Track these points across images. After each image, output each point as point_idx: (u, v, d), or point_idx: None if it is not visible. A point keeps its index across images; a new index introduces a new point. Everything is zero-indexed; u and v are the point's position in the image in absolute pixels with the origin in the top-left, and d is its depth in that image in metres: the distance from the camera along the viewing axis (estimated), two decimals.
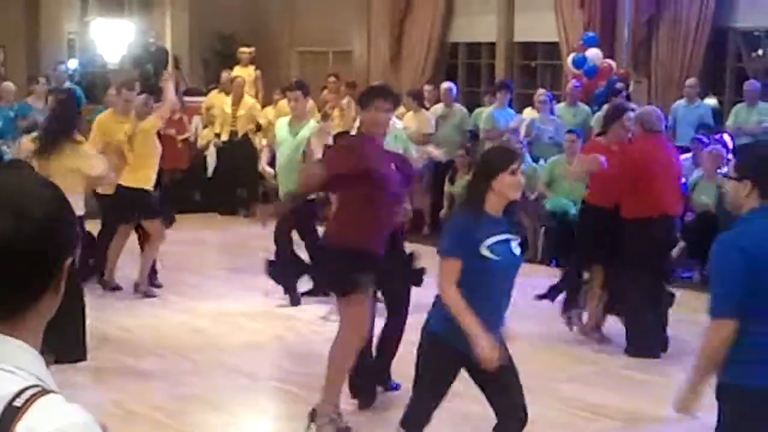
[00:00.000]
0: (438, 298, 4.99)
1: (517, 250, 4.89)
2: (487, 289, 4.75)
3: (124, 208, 9.65)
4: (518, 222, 5.01)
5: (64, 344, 6.23)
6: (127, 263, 10.10)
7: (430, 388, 5.08)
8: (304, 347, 8.15)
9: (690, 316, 8.37)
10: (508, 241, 4.81)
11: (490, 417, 5.11)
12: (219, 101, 15.35)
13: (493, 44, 16.22)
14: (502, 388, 5.01)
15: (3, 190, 1.76)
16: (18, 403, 1.68)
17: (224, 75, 15.91)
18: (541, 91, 13.68)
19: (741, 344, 4.06)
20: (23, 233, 1.73)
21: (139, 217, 9.73)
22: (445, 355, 4.94)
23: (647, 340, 8.23)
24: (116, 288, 9.94)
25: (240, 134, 14.93)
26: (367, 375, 6.80)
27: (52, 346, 5.80)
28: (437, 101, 14.54)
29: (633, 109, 8.79)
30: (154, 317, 9.21)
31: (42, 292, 1.80)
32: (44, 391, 1.71)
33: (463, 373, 5.06)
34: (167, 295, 9.84)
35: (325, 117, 12.64)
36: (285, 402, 7.20)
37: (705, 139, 11.90)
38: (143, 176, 9.52)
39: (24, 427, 1.66)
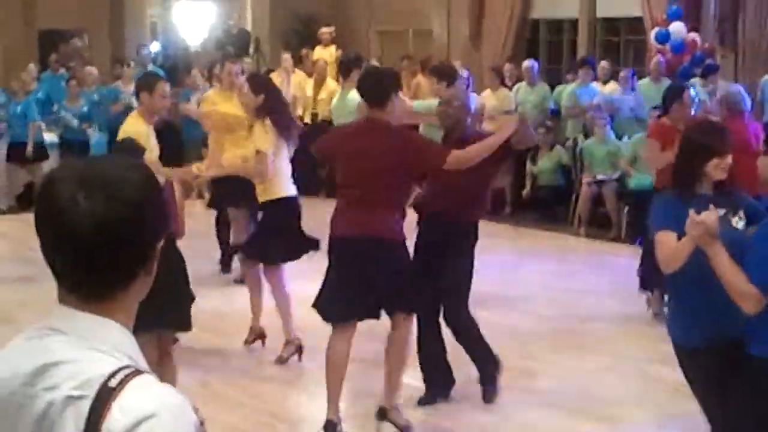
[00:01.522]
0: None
1: (740, 223, 4.56)
2: (708, 272, 4.22)
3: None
4: (733, 195, 4.64)
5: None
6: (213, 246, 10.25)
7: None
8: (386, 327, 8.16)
9: None
10: (726, 215, 4.48)
11: None
12: (299, 83, 15.24)
13: (575, 20, 16.01)
14: None
15: (94, 175, 1.79)
16: (113, 383, 1.70)
17: (304, 52, 15.79)
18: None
19: None
20: (115, 216, 1.75)
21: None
22: None
23: None
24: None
25: (320, 117, 14.75)
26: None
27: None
28: (518, 80, 14.42)
29: (692, 87, 8.74)
30: (241, 298, 9.28)
31: (135, 273, 1.83)
32: (138, 372, 1.73)
33: None
34: None
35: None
36: (368, 380, 7.21)
37: None
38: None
39: (119, 407, 1.68)
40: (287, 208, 7.66)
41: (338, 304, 6.00)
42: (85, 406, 1.70)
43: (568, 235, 12.45)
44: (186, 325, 6.22)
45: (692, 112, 8.37)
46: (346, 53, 10.96)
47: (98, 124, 14.53)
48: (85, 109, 14.17)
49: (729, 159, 4.59)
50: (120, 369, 1.72)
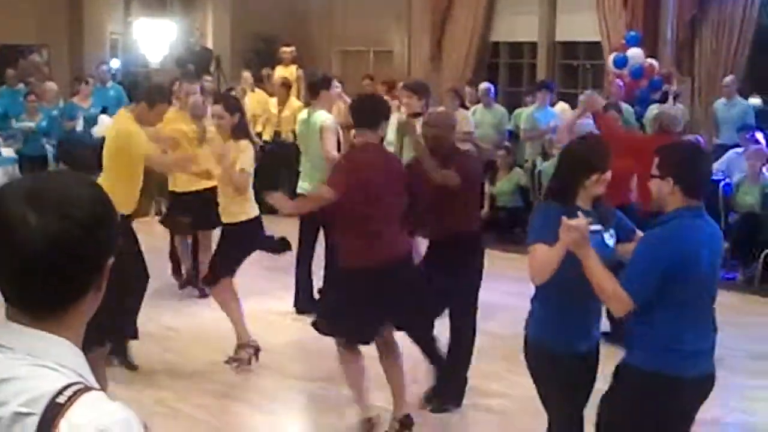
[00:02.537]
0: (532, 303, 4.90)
1: (611, 241, 4.71)
2: (581, 286, 4.40)
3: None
4: (607, 212, 4.78)
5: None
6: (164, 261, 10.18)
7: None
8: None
9: (733, 317, 8.28)
10: (599, 232, 4.62)
11: None
12: (260, 101, 15.23)
13: (534, 44, 16.15)
14: None
15: (45, 192, 1.78)
16: (61, 399, 1.69)
17: (264, 72, 15.81)
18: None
19: None
20: (68, 234, 1.75)
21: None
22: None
23: None
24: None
25: (283, 135, 14.76)
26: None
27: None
28: (478, 102, 14.52)
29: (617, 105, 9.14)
30: (197, 315, 9.25)
31: (85, 290, 1.82)
32: (86, 388, 1.73)
33: None
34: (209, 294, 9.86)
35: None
36: (328, 402, 7.20)
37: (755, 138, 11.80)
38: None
39: (67, 423, 1.68)
40: (250, 231, 7.71)
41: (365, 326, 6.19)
42: (33, 422, 1.69)
43: (526, 256, 12.48)
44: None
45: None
46: (314, 74, 10.94)
47: (56, 139, 14.45)
48: (44, 123, 14.08)
49: (608, 175, 4.69)
50: (69, 385, 1.71)
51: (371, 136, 6.21)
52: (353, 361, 6.32)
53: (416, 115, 8.37)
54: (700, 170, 4.44)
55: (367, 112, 6.29)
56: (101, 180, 6.94)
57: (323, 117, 8.90)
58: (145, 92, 7.51)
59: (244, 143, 7.61)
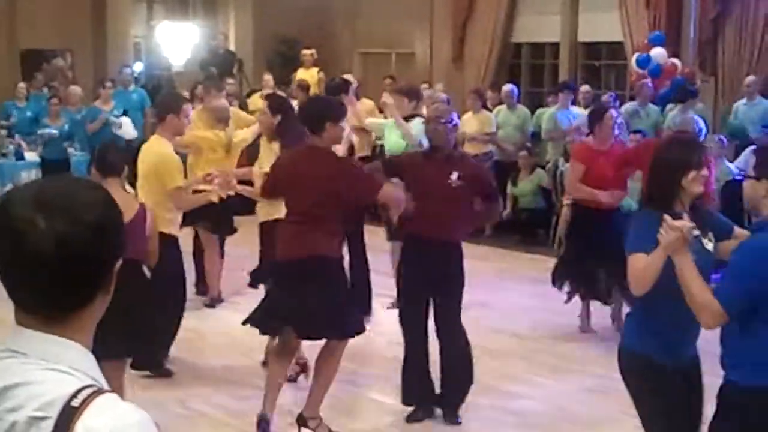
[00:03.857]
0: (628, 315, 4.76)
1: (710, 245, 4.52)
2: (679, 292, 4.18)
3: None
4: (704, 214, 4.60)
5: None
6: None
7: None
8: (368, 347, 8.15)
9: None
10: (698, 237, 4.42)
11: None
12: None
13: (556, 44, 16.11)
14: None
15: (53, 196, 1.79)
16: (75, 403, 1.71)
17: (292, 76, 15.76)
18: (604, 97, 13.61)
19: None
20: (76, 237, 1.76)
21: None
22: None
23: None
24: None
25: None
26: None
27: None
28: (500, 103, 14.51)
29: (613, 108, 9.43)
30: (221, 319, 9.29)
31: (93, 294, 1.84)
32: (100, 391, 1.74)
33: None
34: (232, 297, 9.90)
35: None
36: (350, 402, 7.21)
37: None
38: None
39: (82, 426, 1.69)
40: None
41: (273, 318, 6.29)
42: (48, 427, 1.70)
43: (548, 257, 12.46)
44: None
45: (614, 133, 8.76)
46: (332, 79, 10.97)
47: (80, 143, 14.54)
48: (67, 127, 14.16)
49: (705, 171, 4.53)
50: (82, 388, 1.73)
51: (315, 140, 6.24)
52: (279, 362, 6.41)
53: (409, 117, 8.80)
54: None
55: (309, 116, 6.38)
56: (142, 197, 7.05)
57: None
58: (163, 106, 7.58)
59: (269, 146, 7.65)
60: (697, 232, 4.32)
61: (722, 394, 4.20)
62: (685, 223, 4.15)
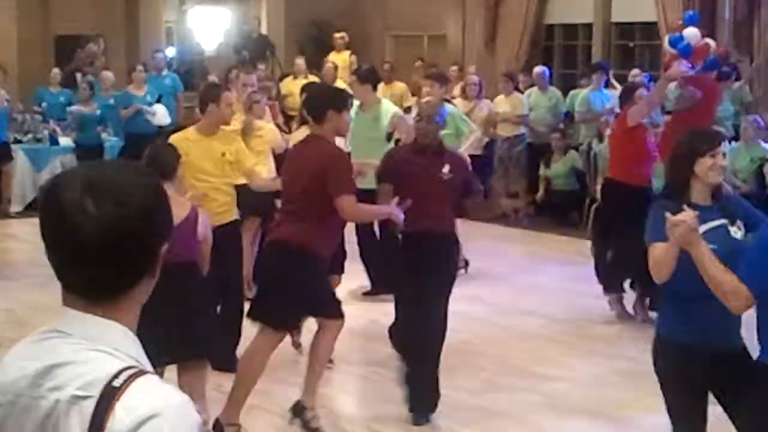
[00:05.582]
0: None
1: (739, 233, 4.42)
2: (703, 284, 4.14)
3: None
4: (730, 204, 4.54)
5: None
6: None
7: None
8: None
9: None
10: (723, 226, 4.40)
11: None
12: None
13: (590, 25, 16.01)
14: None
15: (101, 180, 1.82)
16: (116, 383, 1.73)
17: (325, 59, 15.72)
18: (635, 71, 13.48)
19: None
20: (123, 221, 1.79)
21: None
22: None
23: None
24: None
25: None
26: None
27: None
28: (532, 85, 14.46)
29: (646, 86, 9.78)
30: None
31: (139, 277, 1.86)
32: (141, 372, 1.76)
33: None
34: None
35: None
36: (377, 386, 7.23)
37: None
38: None
39: (122, 406, 1.71)
40: None
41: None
42: (90, 406, 1.72)
43: (582, 239, 12.43)
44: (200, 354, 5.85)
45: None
46: (359, 66, 11.00)
47: (113, 128, 14.62)
48: (100, 113, 14.23)
49: (720, 158, 4.46)
50: (124, 369, 1.75)
51: (315, 128, 6.22)
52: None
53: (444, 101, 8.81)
54: None
55: (311, 105, 6.37)
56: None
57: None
58: (205, 96, 7.46)
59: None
60: (718, 222, 4.35)
61: (752, 374, 4.19)
62: (688, 214, 4.12)
